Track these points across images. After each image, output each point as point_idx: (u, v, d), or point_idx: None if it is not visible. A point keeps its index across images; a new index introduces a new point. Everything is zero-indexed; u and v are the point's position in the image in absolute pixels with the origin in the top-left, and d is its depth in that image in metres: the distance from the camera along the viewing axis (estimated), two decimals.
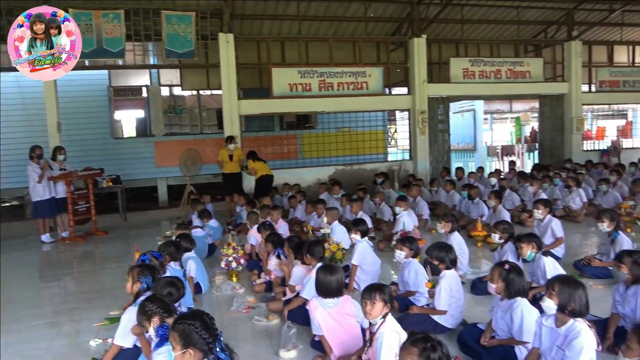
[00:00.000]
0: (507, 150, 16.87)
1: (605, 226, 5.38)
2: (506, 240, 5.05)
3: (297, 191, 9.57)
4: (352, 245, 5.52)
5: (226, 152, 9.90)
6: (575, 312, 2.88)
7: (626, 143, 15.08)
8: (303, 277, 4.61)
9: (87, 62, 10.17)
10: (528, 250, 4.52)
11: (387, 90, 12.24)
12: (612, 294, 3.83)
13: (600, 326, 3.64)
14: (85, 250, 8.16)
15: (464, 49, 13.27)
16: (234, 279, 5.77)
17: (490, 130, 19.01)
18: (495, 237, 5.11)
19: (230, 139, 9.99)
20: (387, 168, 12.23)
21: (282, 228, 6.87)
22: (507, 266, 3.43)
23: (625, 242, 5.16)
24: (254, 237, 6.49)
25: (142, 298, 3.64)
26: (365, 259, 5.19)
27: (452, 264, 4.13)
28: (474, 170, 12.09)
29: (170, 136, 13.24)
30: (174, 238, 5.69)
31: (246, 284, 5.60)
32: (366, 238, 5.32)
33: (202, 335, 2.34)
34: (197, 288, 5.28)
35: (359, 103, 11.74)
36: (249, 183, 10.53)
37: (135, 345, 3.46)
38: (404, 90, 12.70)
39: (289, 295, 4.68)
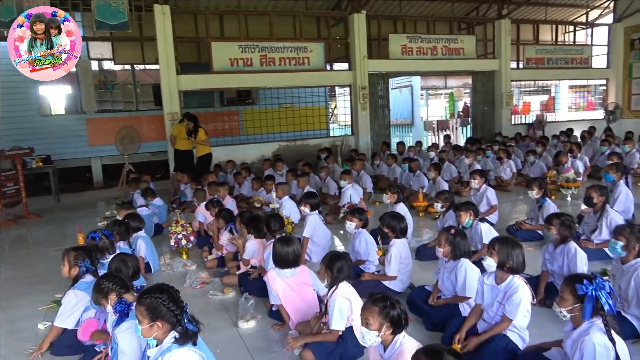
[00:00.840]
0: (442, 125, 17.56)
1: (534, 193, 5.86)
2: (447, 208, 5.37)
3: (242, 168, 9.53)
4: (302, 219, 5.65)
5: (183, 128, 9.44)
6: (514, 269, 3.17)
7: (549, 117, 16.19)
8: (256, 251, 4.69)
9: (6, 33, 9.37)
10: (466, 218, 4.83)
11: (328, 66, 12.31)
12: (542, 253, 4.23)
13: (532, 283, 4.01)
14: (18, 235, 7.73)
15: (402, 25, 13.55)
16: (184, 257, 5.73)
17: (426, 105, 19.67)
18: (438, 206, 5.42)
19: (189, 116, 9.64)
20: (330, 143, 12.39)
21: (230, 204, 6.85)
22: (452, 231, 3.68)
23: (551, 207, 5.66)
24: (202, 214, 6.45)
25: (83, 280, 3.59)
26: (316, 232, 5.33)
27: (402, 233, 4.35)
28: (413, 145, 12.54)
29: (103, 113, 12.60)
30: (119, 217, 5.54)
31: (197, 261, 5.59)
32: (316, 211, 5.45)
33: (170, 308, 2.37)
34: (147, 268, 5.21)
35: (301, 78, 11.74)
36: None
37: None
38: (345, 66, 12.83)
39: (243, 268, 4.74)
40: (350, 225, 4.68)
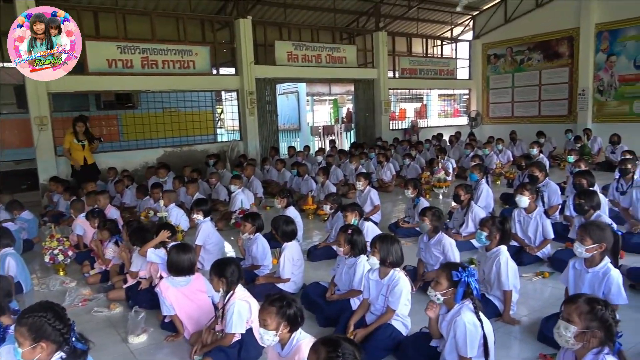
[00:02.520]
0: (328, 130, 18.24)
1: (410, 193, 6.41)
2: (336, 210, 5.66)
3: (124, 175, 9.01)
4: (193, 227, 5.54)
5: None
6: (394, 263, 3.47)
7: (422, 123, 17.68)
8: (144, 262, 4.51)
9: None
10: (352, 218, 5.13)
11: (214, 70, 12.15)
12: (418, 243, 4.67)
13: (411, 274, 4.42)
14: None
15: (288, 32, 13.85)
16: (62, 273, 5.29)
17: (312, 111, 20.26)
18: (327, 208, 5.69)
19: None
20: (218, 149, 12.22)
21: (113, 214, 6.47)
22: (349, 231, 3.92)
23: (425, 204, 6.21)
24: (81, 226, 6.01)
25: None
26: (209, 239, 5.27)
27: (292, 236, 4.50)
28: (301, 150, 12.86)
29: None
30: None
31: (77, 277, 5.20)
32: (209, 218, 5.39)
33: (56, 326, 2.22)
34: (18, 288, 4.72)
35: (186, 82, 11.42)
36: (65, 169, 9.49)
37: None
38: (232, 70, 12.75)
39: (131, 281, 4.53)
40: (244, 233, 4.73)
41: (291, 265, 4.36)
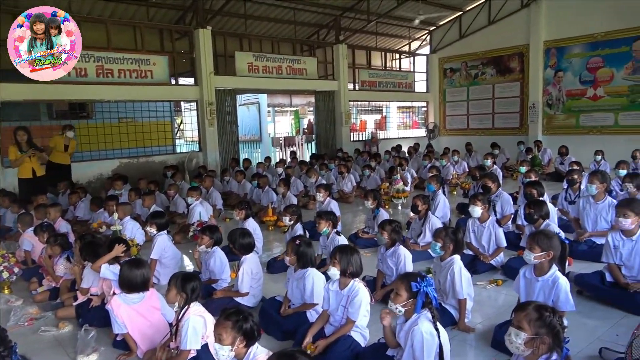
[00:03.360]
0: (288, 141, 18.24)
1: (370, 204, 6.47)
2: (295, 221, 5.63)
3: (77, 187, 8.69)
4: (149, 240, 5.40)
5: (61, 140, 9.12)
6: (354, 274, 3.49)
7: (382, 134, 17.98)
8: (96, 278, 4.34)
9: None
10: (325, 227, 5.08)
11: (173, 80, 11.95)
12: (377, 254, 4.71)
13: (370, 285, 4.45)
14: None
15: (248, 43, 13.83)
16: (7, 291, 5.02)
17: (273, 122, 20.24)
18: (286, 220, 5.65)
19: (70, 127, 9.19)
20: (177, 160, 11.99)
21: (64, 228, 6.21)
22: (297, 242, 3.90)
23: (384, 216, 6.29)
24: (29, 241, 5.74)
25: None
26: (165, 253, 5.14)
27: (249, 249, 4.44)
28: (261, 161, 12.80)
29: None
30: None
31: (24, 295, 4.95)
32: (165, 231, 5.26)
33: None
34: None
35: (144, 92, 11.18)
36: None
37: None
38: (191, 81, 12.58)
39: (81, 298, 4.34)
40: (201, 246, 4.64)
41: (250, 279, 4.30)
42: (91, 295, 4.30)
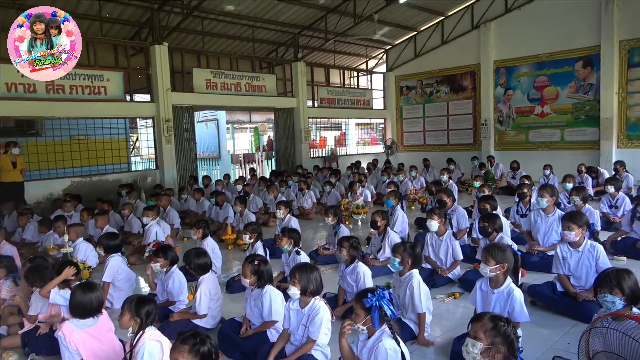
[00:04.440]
0: (248, 158, 18.11)
1: (330, 220, 6.49)
2: (255, 239, 5.56)
3: (24, 208, 8.27)
4: (102, 262, 5.19)
5: (8, 158, 8.84)
6: (314, 292, 3.47)
7: (341, 151, 18.17)
8: (45, 305, 4.12)
9: None
10: (286, 244, 5.03)
11: (128, 96, 11.67)
12: (337, 272, 4.71)
13: (332, 302, 4.45)
14: None
15: (206, 60, 13.73)
16: None
17: (233, 139, 20.08)
18: (246, 238, 5.57)
19: (14, 144, 8.84)
20: (132, 178, 11.64)
21: (7, 251, 5.88)
22: (256, 262, 3.85)
23: (345, 232, 6.31)
24: None
25: None
26: (118, 275, 4.95)
27: (206, 269, 4.34)
28: (220, 178, 12.63)
29: None
30: None
31: None
32: (118, 253, 5.07)
33: None
34: None
35: (97, 109, 10.84)
36: None
37: None
38: (147, 97, 12.34)
39: (28, 326, 4.11)
40: (156, 265, 4.50)
41: (208, 300, 4.20)
42: (38, 322, 4.07)
